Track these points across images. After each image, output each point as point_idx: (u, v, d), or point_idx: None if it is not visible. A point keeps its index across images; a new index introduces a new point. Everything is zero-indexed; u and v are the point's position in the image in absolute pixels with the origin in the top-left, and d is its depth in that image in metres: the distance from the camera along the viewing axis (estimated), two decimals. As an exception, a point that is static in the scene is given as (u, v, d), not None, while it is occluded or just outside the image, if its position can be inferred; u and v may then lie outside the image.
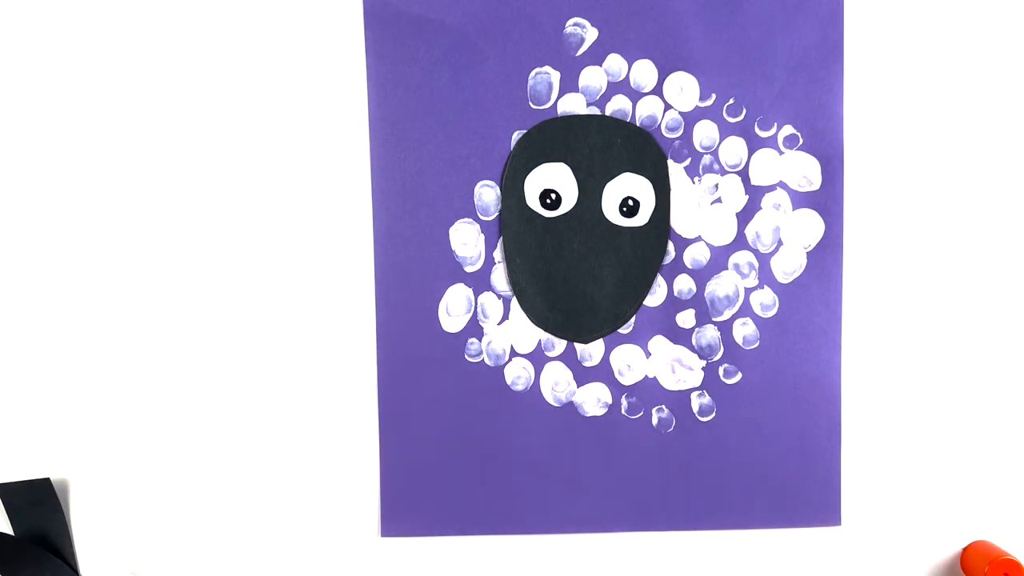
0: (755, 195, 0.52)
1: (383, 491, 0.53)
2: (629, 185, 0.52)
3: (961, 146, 0.53)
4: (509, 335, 0.53)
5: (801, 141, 0.52)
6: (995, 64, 0.52)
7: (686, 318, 0.53)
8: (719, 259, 0.53)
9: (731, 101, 0.52)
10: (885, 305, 0.53)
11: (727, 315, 0.53)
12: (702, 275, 0.53)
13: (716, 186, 0.52)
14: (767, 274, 0.53)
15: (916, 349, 0.53)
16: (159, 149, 0.52)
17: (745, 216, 0.52)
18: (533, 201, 0.52)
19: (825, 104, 0.52)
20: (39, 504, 0.52)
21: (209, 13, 0.51)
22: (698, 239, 0.53)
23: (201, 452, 0.53)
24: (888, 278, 0.53)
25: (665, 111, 0.52)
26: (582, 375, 0.53)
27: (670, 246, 0.52)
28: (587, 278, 0.52)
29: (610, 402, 0.53)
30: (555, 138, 0.52)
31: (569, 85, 0.52)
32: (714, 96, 0.52)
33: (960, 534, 0.54)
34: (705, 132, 0.52)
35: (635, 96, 0.52)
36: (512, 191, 0.52)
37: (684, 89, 0.52)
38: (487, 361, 0.53)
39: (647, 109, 0.52)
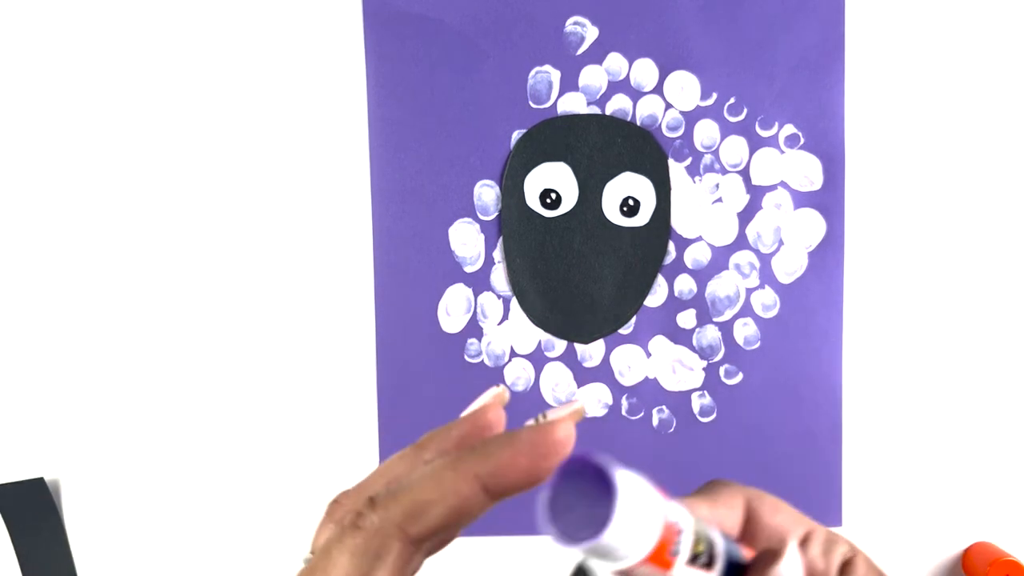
0: (756, 195, 0.52)
1: (383, 492, 0.53)
2: (629, 185, 0.52)
3: (961, 146, 0.53)
4: (509, 335, 0.53)
5: (802, 140, 0.52)
6: (995, 64, 0.52)
7: (687, 318, 0.53)
8: (720, 259, 0.52)
9: (732, 100, 0.52)
10: (886, 305, 0.53)
11: (728, 315, 0.53)
12: (703, 275, 0.52)
13: (717, 186, 0.52)
14: (768, 274, 0.52)
15: (917, 349, 0.53)
16: (159, 149, 0.52)
17: (746, 216, 0.52)
18: (533, 201, 0.52)
19: (826, 104, 0.52)
20: (33, 504, 0.52)
21: (209, 14, 0.51)
22: (699, 239, 0.52)
23: (199, 451, 0.53)
24: (889, 278, 0.53)
25: (666, 110, 0.52)
26: (582, 376, 0.53)
27: (671, 246, 0.52)
28: (587, 278, 0.52)
29: (611, 403, 0.53)
30: (555, 138, 0.52)
31: (569, 84, 0.51)
32: (715, 95, 0.52)
33: (961, 535, 0.54)
34: (706, 131, 0.52)
35: (635, 95, 0.52)
36: (512, 191, 0.52)
37: (685, 88, 0.52)
38: (487, 361, 0.53)
39: (647, 108, 0.52)
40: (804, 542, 0.28)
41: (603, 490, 0.18)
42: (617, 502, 0.18)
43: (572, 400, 0.27)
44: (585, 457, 0.19)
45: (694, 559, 0.21)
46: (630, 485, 0.19)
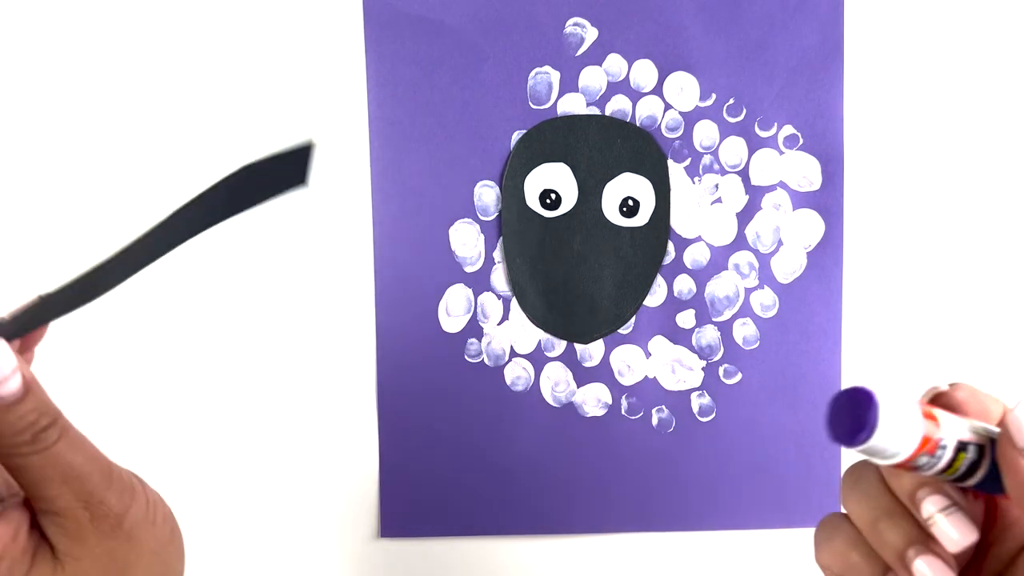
0: (755, 195, 0.52)
1: (382, 491, 0.53)
2: (629, 185, 0.52)
3: (961, 146, 0.53)
4: (509, 335, 0.53)
5: (801, 141, 0.52)
6: (995, 64, 0.52)
7: (686, 318, 0.53)
8: (719, 259, 0.53)
9: (731, 101, 0.52)
10: (884, 305, 0.53)
11: (727, 315, 0.53)
12: (702, 275, 0.53)
13: (716, 186, 0.52)
14: (767, 274, 0.53)
15: (916, 349, 0.53)
16: (158, 149, 0.52)
17: (745, 216, 0.52)
18: (533, 201, 0.52)
19: (825, 104, 0.52)
20: None
21: (209, 13, 0.51)
22: (698, 239, 0.53)
23: (199, 451, 0.53)
24: (888, 278, 0.53)
25: (665, 111, 0.52)
26: (582, 375, 0.53)
27: (670, 246, 0.52)
28: (587, 278, 0.52)
29: (610, 403, 0.53)
30: (555, 138, 0.52)
31: (569, 85, 0.52)
32: (714, 96, 0.52)
33: (960, 534, 0.54)
34: (705, 132, 0.52)
35: (635, 96, 0.52)
36: (512, 191, 0.52)
37: (684, 89, 0.52)
38: (487, 361, 0.53)
39: (647, 109, 0.52)
40: None
41: (869, 410, 0.25)
42: (880, 414, 0.25)
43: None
44: (853, 389, 0.26)
45: (947, 470, 0.27)
46: (891, 402, 0.25)
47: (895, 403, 0.26)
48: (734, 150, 0.52)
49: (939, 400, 0.30)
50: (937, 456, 0.27)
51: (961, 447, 0.27)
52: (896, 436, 0.26)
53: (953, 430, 0.27)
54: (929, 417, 0.26)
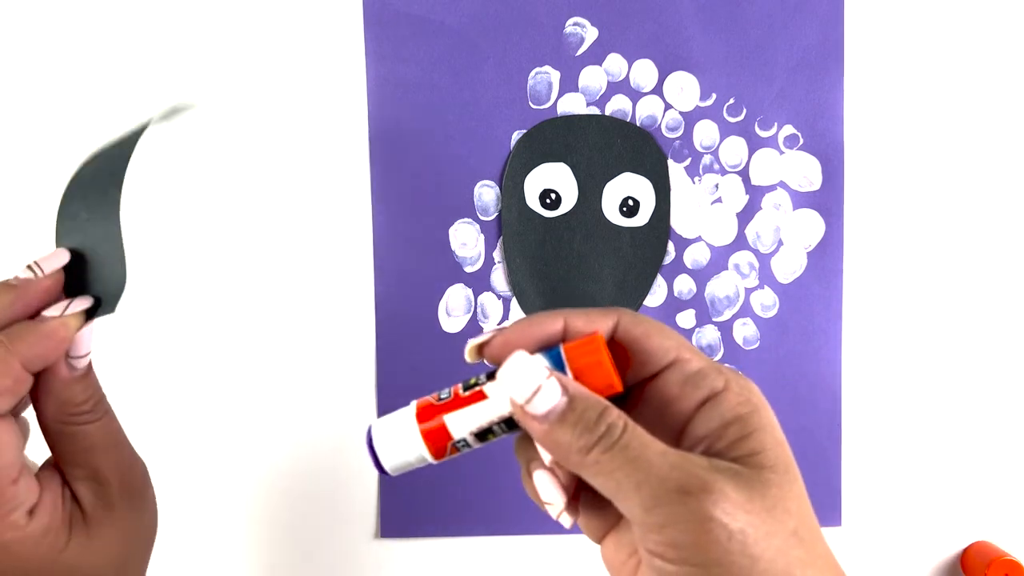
0: (755, 195, 0.52)
1: (381, 491, 0.53)
2: (629, 185, 0.52)
3: (961, 146, 0.53)
4: (509, 335, 0.53)
5: (801, 141, 0.52)
6: (995, 64, 0.52)
7: (686, 318, 0.53)
8: (719, 259, 0.53)
9: (731, 101, 0.52)
10: (885, 305, 0.53)
11: (727, 315, 0.53)
12: (702, 275, 0.53)
13: (716, 186, 0.52)
14: (767, 274, 0.53)
15: (916, 349, 0.53)
16: (158, 149, 0.52)
17: (745, 216, 0.52)
18: (533, 201, 0.52)
19: (825, 104, 0.52)
20: None
21: (209, 14, 0.51)
22: (698, 239, 0.52)
23: (199, 451, 0.53)
24: (888, 278, 0.53)
25: (665, 111, 0.52)
26: (582, 375, 0.53)
27: (670, 246, 0.52)
28: (587, 278, 0.52)
29: (610, 402, 0.53)
30: (555, 138, 0.52)
31: (569, 85, 0.52)
32: (714, 96, 0.52)
33: (960, 534, 0.54)
34: (705, 132, 0.52)
35: (635, 96, 0.52)
36: (512, 191, 0.52)
37: (684, 89, 0.52)
38: (487, 362, 0.53)
39: (647, 109, 0.52)
40: (669, 367, 0.30)
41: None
42: (377, 451, 0.29)
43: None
44: (369, 427, 0.30)
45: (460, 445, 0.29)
46: (380, 432, 0.29)
47: (390, 429, 0.29)
48: (734, 150, 0.52)
49: (484, 352, 0.32)
50: (463, 447, 0.29)
51: (486, 431, 0.29)
52: (407, 454, 0.29)
53: (464, 427, 0.29)
54: (433, 425, 0.29)
